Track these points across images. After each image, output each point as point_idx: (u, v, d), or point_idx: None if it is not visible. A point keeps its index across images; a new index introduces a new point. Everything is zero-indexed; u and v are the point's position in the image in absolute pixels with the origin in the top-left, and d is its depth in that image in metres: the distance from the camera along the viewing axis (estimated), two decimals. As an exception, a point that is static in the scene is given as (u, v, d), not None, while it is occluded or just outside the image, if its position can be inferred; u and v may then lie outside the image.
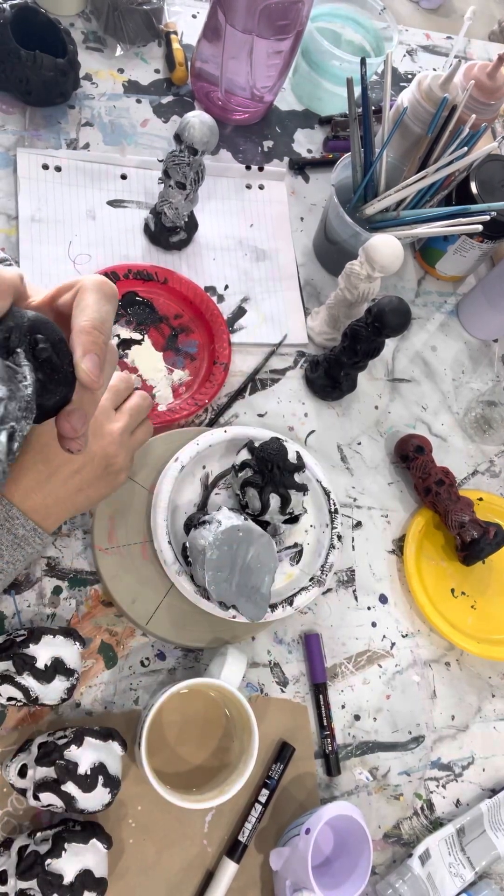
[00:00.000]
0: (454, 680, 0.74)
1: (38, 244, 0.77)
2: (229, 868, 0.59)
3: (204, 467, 0.70)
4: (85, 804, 0.52)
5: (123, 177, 0.83)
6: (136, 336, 0.76)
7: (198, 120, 0.69)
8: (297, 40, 0.83)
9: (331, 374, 0.77)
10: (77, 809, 0.52)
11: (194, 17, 0.98)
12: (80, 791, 0.51)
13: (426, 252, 0.92)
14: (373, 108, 0.91)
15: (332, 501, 0.71)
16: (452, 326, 0.92)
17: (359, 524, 0.77)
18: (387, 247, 0.68)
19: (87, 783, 0.51)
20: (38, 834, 0.53)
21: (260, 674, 0.67)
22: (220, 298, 0.82)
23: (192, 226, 0.82)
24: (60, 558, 0.66)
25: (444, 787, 0.69)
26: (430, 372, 0.88)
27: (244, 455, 0.66)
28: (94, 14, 0.91)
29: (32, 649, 0.55)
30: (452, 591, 0.77)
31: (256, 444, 0.67)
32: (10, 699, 0.55)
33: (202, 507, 0.68)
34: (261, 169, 0.90)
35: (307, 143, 0.96)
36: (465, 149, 0.78)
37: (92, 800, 0.52)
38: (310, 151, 0.95)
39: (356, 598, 0.74)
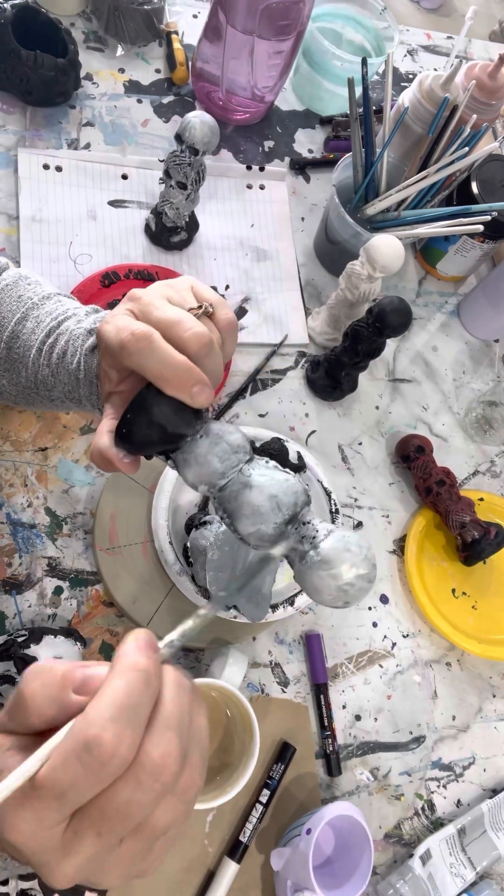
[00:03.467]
0: (455, 680, 0.74)
1: (39, 244, 0.77)
2: (230, 868, 0.59)
3: (205, 467, 0.70)
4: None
5: (124, 177, 0.83)
6: (137, 336, 0.76)
7: (199, 120, 0.69)
8: (298, 40, 0.82)
9: (332, 375, 0.77)
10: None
11: (195, 17, 0.98)
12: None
13: (427, 252, 0.92)
14: (374, 108, 0.91)
15: (332, 502, 0.71)
16: (453, 327, 0.92)
17: (360, 524, 0.77)
18: (388, 247, 0.68)
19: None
20: None
21: (261, 674, 0.67)
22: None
23: (192, 226, 0.82)
24: (61, 558, 0.66)
25: (444, 787, 0.69)
26: (430, 372, 0.88)
27: (245, 455, 0.66)
28: (94, 14, 0.91)
29: (33, 649, 0.55)
30: (453, 591, 0.77)
31: (257, 445, 0.67)
32: (11, 699, 0.55)
33: (203, 507, 0.68)
34: (262, 169, 0.90)
35: (308, 143, 0.96)
36: (466, 149, 0.78)
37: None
38: (311, 151, 0.95)
39: (357, 598, 0.73)
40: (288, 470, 0.43)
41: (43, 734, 0.27)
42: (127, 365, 0.40)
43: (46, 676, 0.28)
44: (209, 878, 0.60)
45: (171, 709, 0.28)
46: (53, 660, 0.28)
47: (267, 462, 0.43)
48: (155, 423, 0.39)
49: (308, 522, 0.41)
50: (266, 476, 0.41)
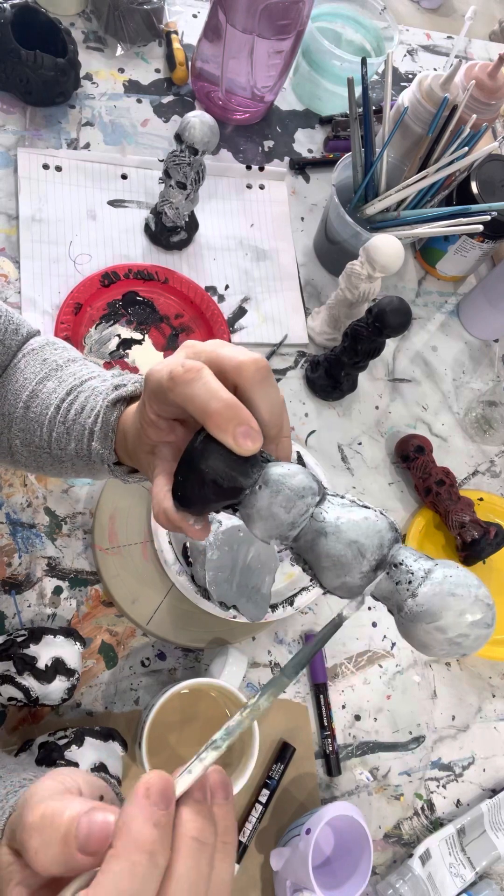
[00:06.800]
0: (454, 680, 0.74)
1: (39, 244, 0.77)
2: (230, 868, 0.59)
3: (204, 467, 0.70)
4: (85, 804, 0.52)
5: (124, 177, 0.83)
6: (137, 336, 0.76)
7: (198, 120, 0.69)
8: (298, 40, 0.82)
9: (331, 374, 0.77)
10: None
11: (195, 16, 0.98)
12: (81, 791, 0.51)
13: (427, 252, 0.92)
14: (373, 107, 0.91)
15: (332, 501, 0.71)
16: (453, 326, 0.92)
17: (359, 524, 0.77)
18: (387, 247, 0.68)
19: (87, 783, 0.51)
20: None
21: (260, 674, 0.67)
22: (221, 298, 0.82)
23: (192, 226, 0.82)
24: (61, 558, 0.66)
25: (444, 787, 0.69)
26: (430, 372, 0.88)
27: (245, 455, 0.66)
28: (94, 14, 0.91)
29: (33, 649, 0.55)
30: (453, 591, 0.77)
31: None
32: (10, 699, 0.55)
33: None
34: (261, 169, 0.90)
35: (308, 142, 0.96)
36: (466, 149, 0.78)
37: (92, 800, 0.52)
38: (310, 151, 0.95)
39: (357, 598, 0.74)
40: (367, 504, 0.38)
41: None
42: (172, 400, 0.36)
43: (48, 833, 0.26)
44: (209, 878, 0.60)
45: (182, 885, 0.26)
46: (55, 801, 0.27)
47: (342, 498, 0.38)
48: (207, 481, 0.35)
49: (400, 564, 0.35)
50: (342, 518, 0.36)
